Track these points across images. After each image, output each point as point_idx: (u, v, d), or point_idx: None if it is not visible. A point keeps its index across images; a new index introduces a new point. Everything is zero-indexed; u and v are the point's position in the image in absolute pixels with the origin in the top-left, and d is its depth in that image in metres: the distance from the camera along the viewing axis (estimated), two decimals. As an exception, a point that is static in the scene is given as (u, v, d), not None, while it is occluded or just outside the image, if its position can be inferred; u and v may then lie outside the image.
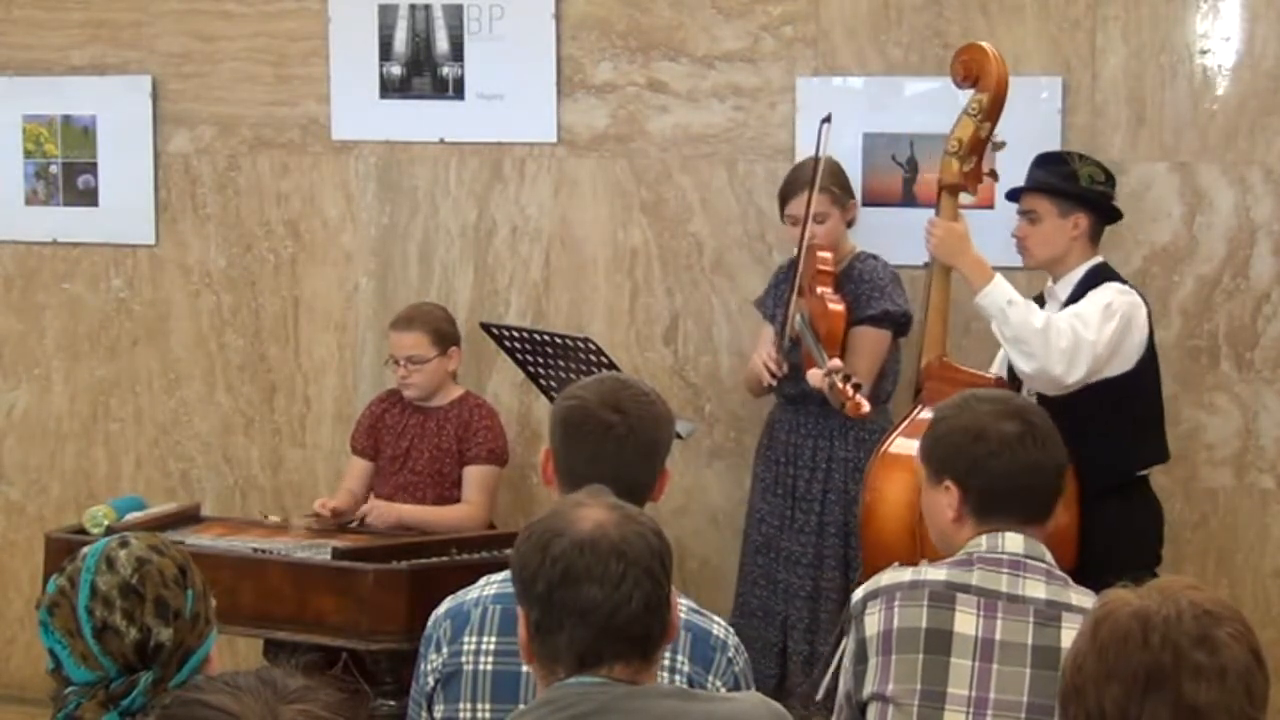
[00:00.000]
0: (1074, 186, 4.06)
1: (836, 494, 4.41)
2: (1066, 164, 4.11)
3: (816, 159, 4.34)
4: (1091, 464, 3.78)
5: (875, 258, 4.51)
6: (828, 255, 4.38)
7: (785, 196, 4.52)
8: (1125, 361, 3.93)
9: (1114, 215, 4.16)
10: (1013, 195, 4.16)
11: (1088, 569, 3.27)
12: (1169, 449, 4.18)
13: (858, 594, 2.78)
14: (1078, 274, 4.06)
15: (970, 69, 4.06)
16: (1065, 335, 3.83)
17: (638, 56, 4.93)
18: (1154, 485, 4.17)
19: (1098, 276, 4.03)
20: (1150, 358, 4.02)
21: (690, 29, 4.88)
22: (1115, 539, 3.80)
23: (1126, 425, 3.97)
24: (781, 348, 4.40)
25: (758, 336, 4.65)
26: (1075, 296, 4.01)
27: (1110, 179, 4.13)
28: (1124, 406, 3.95)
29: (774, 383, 4.41)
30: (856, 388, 3.95)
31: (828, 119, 4.34)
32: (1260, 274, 4.56)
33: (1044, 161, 4.15)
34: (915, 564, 3.59)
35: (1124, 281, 4.05)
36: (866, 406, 3.95)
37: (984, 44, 4.11)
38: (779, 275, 4.67)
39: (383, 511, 4.49)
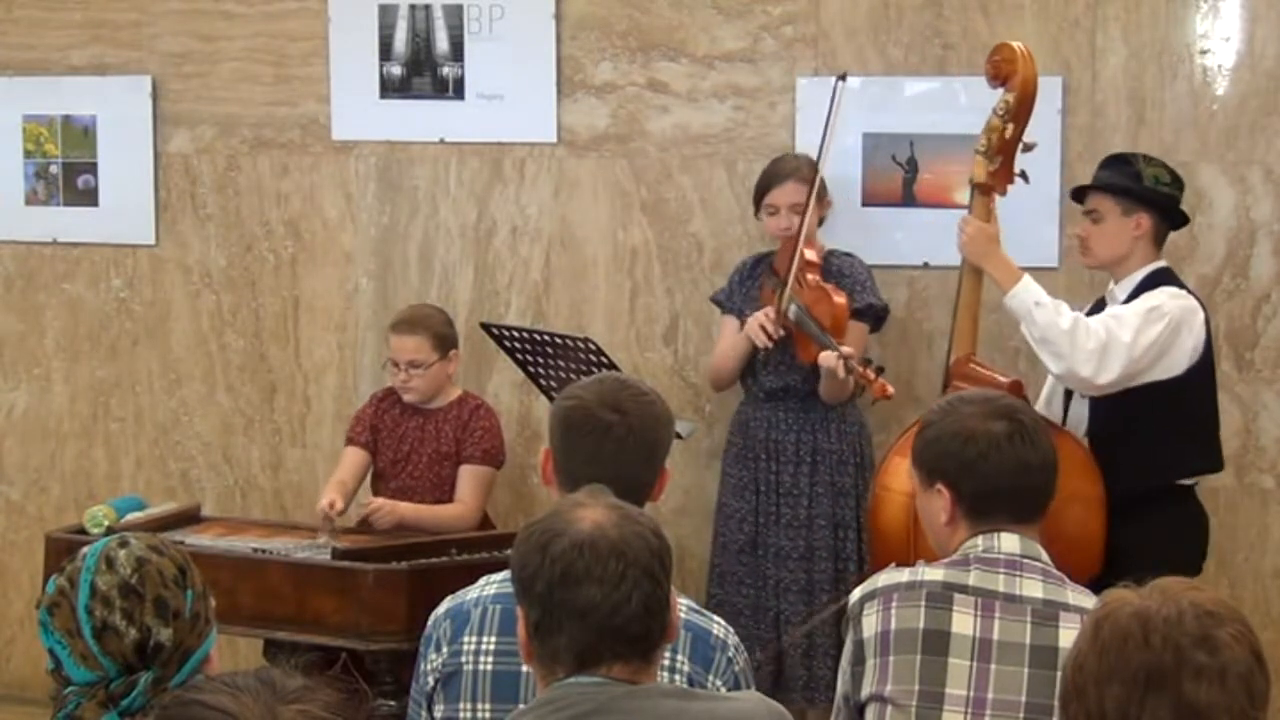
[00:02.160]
0: (1137, 186, 4.00)
1: (824, 486, 4.43)
2: (1131, 164, 4.05)
3: (820, 151, 4.33)
4: (1135, 468, 3.76)
5: (850, 255, 4.54)
6: (812, 248, 4.40)
7: (766, 186, 4.52)
8: (1173, 366, 3.88)
9: (1179, 219, 4.10)
10: (1077, 195, 4.14)
11: (1126, 576, 3.25)
12: (1222, 459, 4.11)
13: (855, 595, 2.79)
14: (1138, 276, 4.00)
15: (1000, 69, 4.04)
16: (1095, 336, 3.79)
17: (638, 56, 4.93)
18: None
19: (1157, 280, 3.97)
20: (1204, 365, 3.94)
21: (690, 29, 4.89)
22: (1157, 548, 3.73)
23: (1172, 431, 3.90)
24: (779, 331, 4.38)
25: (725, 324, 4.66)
26: (1133, 298, 3.96)
27: (1176, 182, 4.06)
28: (1171, 412, 3.89)
29: (769, 344, 4.39)
30: (879, 371, 3.96)
31: (843, 77, 4.33)
32: (1260, 274, 4.56)
33: (1110, 162, 4.12)
34: (910, 563, 3.61)
35: (1184, 287, 3.99)
36: (891, 388, 3.96)
37: (1016, 44, 4.06)
38: (743, 271, 4.67)
39: (387, 514, 4.48)
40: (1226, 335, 4.59)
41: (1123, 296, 4.01)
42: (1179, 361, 3.89)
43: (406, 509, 4.53)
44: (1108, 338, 3.79)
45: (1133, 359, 3.81)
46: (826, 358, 4.14)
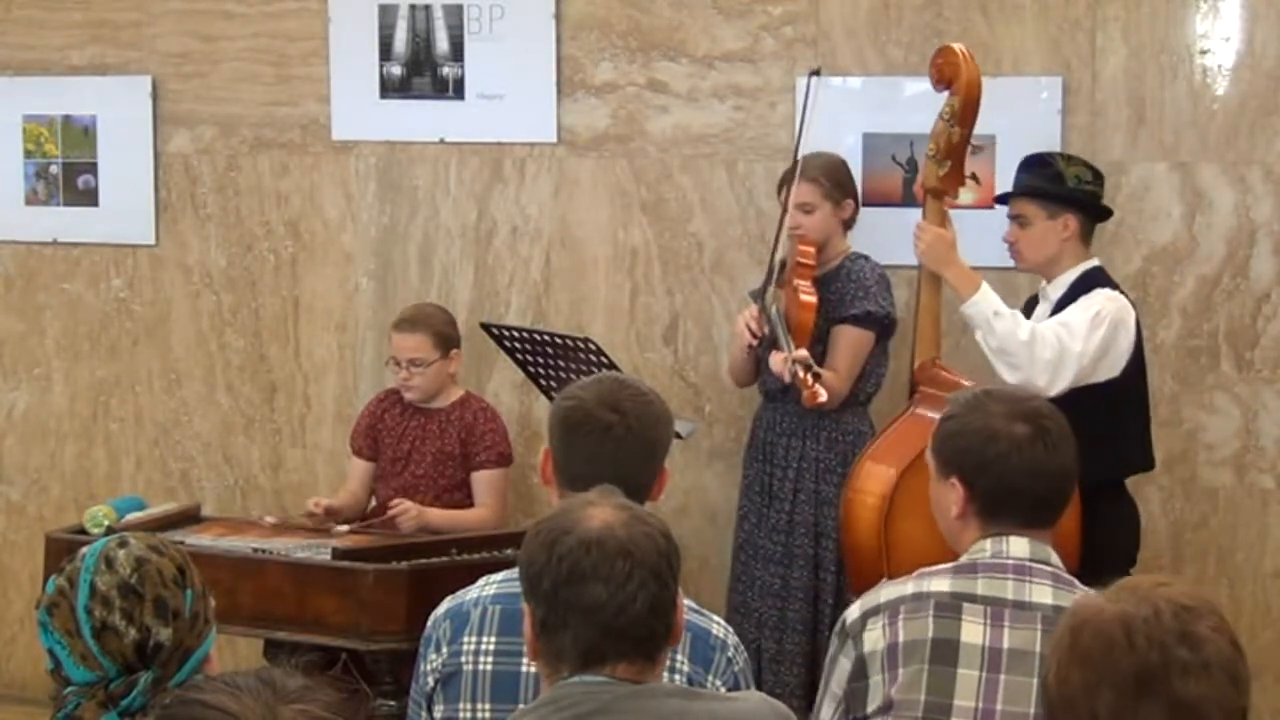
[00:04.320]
0: (1060, 188, 4.04)
1: (807, 493, 4.42)
2: (1051, 165, 4.09)
3: (797, 144, 4.34)
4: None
5: (866, 259, 4.50)
6: (809, 249, 4.37)
7: (780, 185, 4.53)
8: (1112, 367, 3.92)
9: (1104, 213, 4.15)
10: (1002, 200, 4.16)
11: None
12: (1154, 458, 4.17)
13: (854, 611, 2.71)
14: (1071, 276, 4.05)
15: (943, 73, 4.05)
16: (1050, 346, 3.82)
17: (638, 56, 4.93)
18: (1154, 485, 4.17)
19: (1091, 281, 4.02)
20: (1138, 364, 4.00)
21: (690, 29, 4.88)
22: (1099, 544, 3.78)
23: (1112, 431, 3.94)
24: (762, 339, 4.38)
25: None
26: (1068, 299, 4.00)
27: (1098, 177, 4.11)
28: (1110, 413, 3.92)
29: (754, 343, 4.39)
30: (816, 377, 3.96)
31: (817, 72, 4.35)
32: (1260, 274, 4.56)
33: (1029, 164, 4.13)
34: (879, 568, 3.59)
35: (1116, 286, 4.03)
36: (823, 396, 3.96)
37: (956, 46, 4.08)
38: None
39: (413, 517, 4.47)
40: (1226, 335, 4.59)
41: (1056, 296, 4.05)
42: (1118, 362, 3.94)
43: (433, 513, 4.53)
44: (1061, 348, 3.83)
45: (1082, 367, 3.86)
46: (774, 359, 4.15)
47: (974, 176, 4.12)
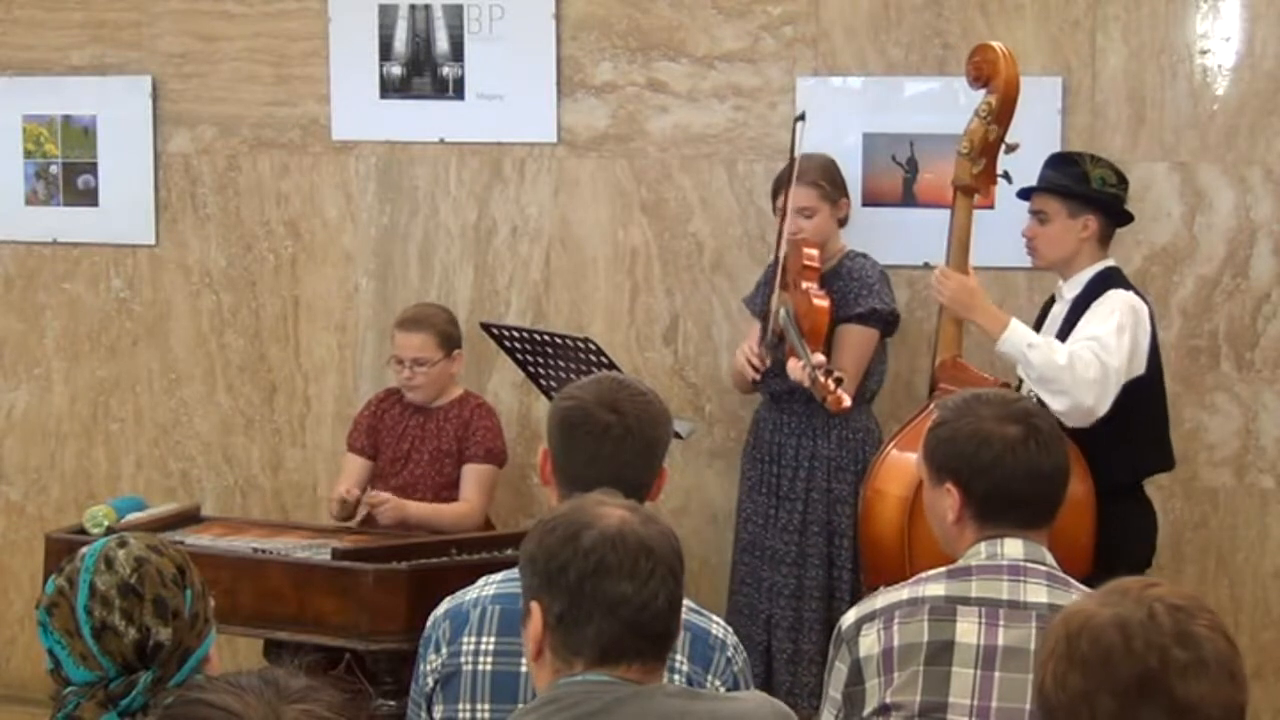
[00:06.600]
0: (1085, 188, 4.03)
1: (819, 492, 4.42)
2: (1078, 165, 4.08)
3: (792, 158, 4.36)
4: (1098, 469, 3.77)
5: (865, 256, 4.51)
6: (813, 251, 4.37)
7: (775, 190, 4.53)
8: (1138, 366, 3.91)
9: (1125, 218, 4.14)
10: (1024, 195, 4.15)
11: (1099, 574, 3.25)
12: (1174, 458, 4.16)
13: (849, 617, 2.72)
14: (1087, 275, 4.03)
15: (982, 70, 4.05)
16: (1092, 366, 3.79)
17: (638, 56, 4.93)
18: (1154, 485, 4.17)
19: (1106, 281, 4.01)
20: (1156, 361, 4.00)
21: (690, 29, 4.89)
22: (1115, 545, 3.78)
23: (1131, 432, 3.93)
24: (765, 342, 4.39)
25: (750, 335, 4.65)
26: (1083, 298, 3.99)
27: (1122, 181, 4.10)
28: (1134, 411, 3.91)
29: (757, 378, 4.40)
30: (838, 382, 3.96)
31: (802, 117, 4.36)
32: (1260, 274, 4.56)
33: (1056, 162, 4.13)
34: (902, 566, 3.58)
35: (1130, 286, 4.03)
36: (848, 401, 3.96)
37: (996, 45, 4.07)
38: (767, 272, 4.67)
39: (392, 510, 4.48)
40: (1226, 335, 4.59)
41: (1071, 295, 4.04)
42: (1142, 359, 3.93)
43: (412, 506, 4.54)
44: (1103, 366, 3.81)
45: (1120, 378, 3.84)
46: (792, 367, 4.15)
47: (1005, 174, 4.10)
